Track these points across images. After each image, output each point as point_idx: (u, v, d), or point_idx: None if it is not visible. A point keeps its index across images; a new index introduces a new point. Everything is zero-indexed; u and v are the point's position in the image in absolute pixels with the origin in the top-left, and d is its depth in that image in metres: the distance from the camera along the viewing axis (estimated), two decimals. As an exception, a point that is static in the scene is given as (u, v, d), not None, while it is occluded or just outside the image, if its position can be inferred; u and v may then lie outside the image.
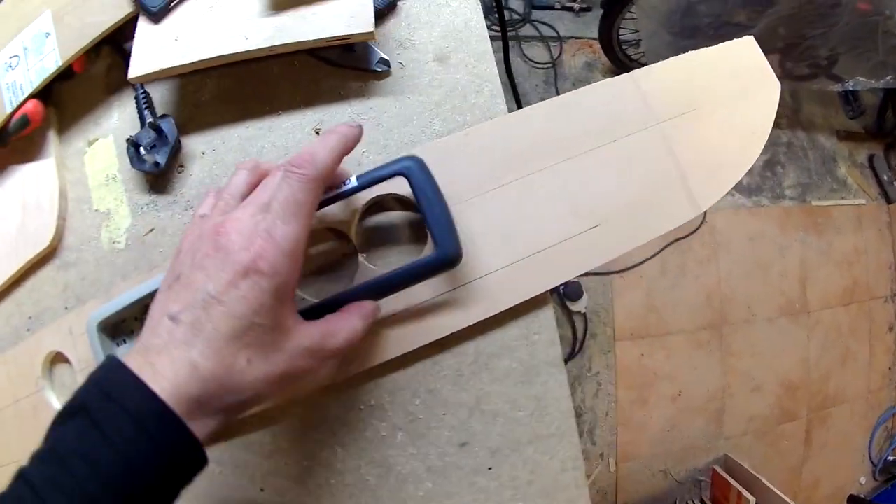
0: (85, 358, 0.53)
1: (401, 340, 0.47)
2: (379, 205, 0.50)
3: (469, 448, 0.49)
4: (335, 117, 0.54)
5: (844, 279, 2.10)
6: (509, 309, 0.47)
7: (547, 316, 0.49)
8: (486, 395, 0.49)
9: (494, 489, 0.49)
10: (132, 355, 0.33)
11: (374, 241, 0.51)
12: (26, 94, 0.58)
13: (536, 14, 2.21)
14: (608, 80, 0.51)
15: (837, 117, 2.26)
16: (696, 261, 1.98)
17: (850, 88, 1.62)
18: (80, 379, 0.54)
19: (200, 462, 0.33)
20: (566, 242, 0.47)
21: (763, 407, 1.96)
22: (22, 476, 0.30)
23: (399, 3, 0.56)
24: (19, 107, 0.58)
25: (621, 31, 1.89)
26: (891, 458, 2.07)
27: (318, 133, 0.54)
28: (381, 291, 0.45)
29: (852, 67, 1.60)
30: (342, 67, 0.55)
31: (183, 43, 0.52)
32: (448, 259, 0.43)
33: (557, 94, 2.06)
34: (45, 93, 0.60)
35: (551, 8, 2.23)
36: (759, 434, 1.95)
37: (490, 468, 0.49)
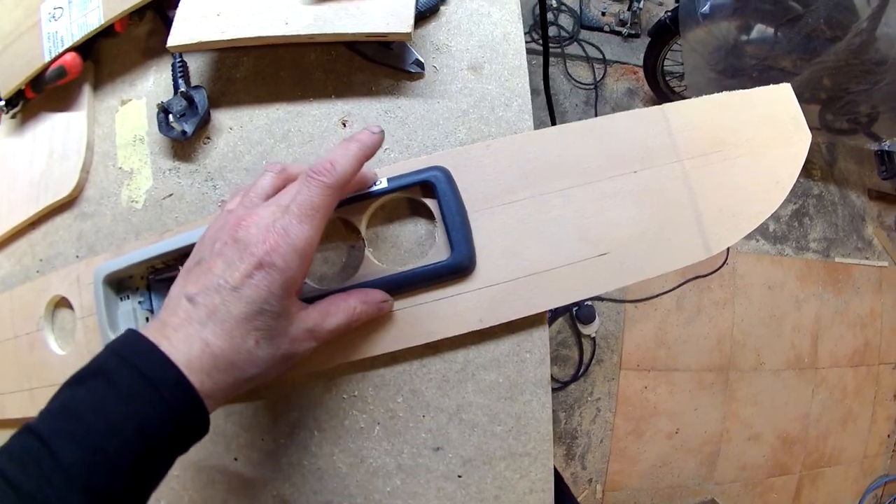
0: (87, 306, 0.55)
1: (393, 338, 0.48)
2: (392, 205, 0.51)
3: (442, 453, 0.49)
4: (363, 111, 0.55)
5: (857, 340, 2.06)
6: (504, 323, 0.47)
7: (541, 335, 0.49)
8: (467, 405, 0.49)
9: (461, 497, 0.49)
10: (149, 330, 0.36)
11: (382, 239, 0.51)
12: (66, 46, 0.59)
13: (585, 34, 2.19)
14: (638, 110, 0.50)
15: (871, 176, 2.21)
16: (713, 301, 1.96)
17: (887, 148, 1.60)
18: (81, 325, 0.55)
19: (203, 430, 0.36)
20: (571, 266, 0.47)
21: (757, 457, 1.93)
22: (28, 429, 0.32)
23: (442, 8, 0.56)
24: (57, 57, 0.59)
25: (666, 62, 1.88)
26: (876, 526, 2.03)
27: (343, 125, 0.54)
28: (393, 288, 0.47)
29: (891, 127, 1.58)
30: (377, 63, 0.55)
31: (224, 19, 0.53)
32: (462, 266, 0.46)
33: (596, 115, 2.07)
34: (86, 48, 0.61)
35: (600, 30, 2.21)
36: (750, 483, 1.92)
37: (460, 476, 0.49)
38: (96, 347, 0.54)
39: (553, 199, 0.48)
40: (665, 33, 1.73)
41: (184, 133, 0.56)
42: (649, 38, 1.83)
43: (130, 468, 0.31)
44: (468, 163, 0.49)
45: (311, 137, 0.55)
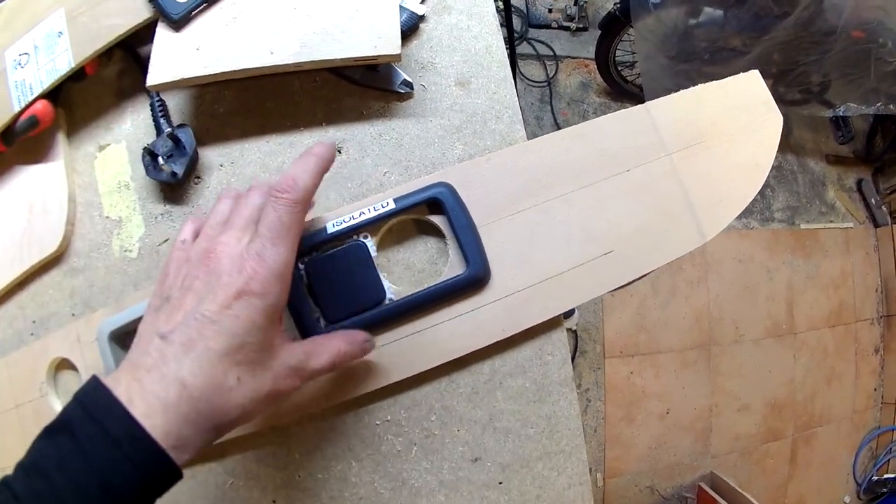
0: (93, 365, 0.53)
1: (419, 358, 0.48)
2: (399, 227, 0.51)
3: (481, 463, 0.50)
4: (356, 136, 0.55)
5: (831, 301, 2.13)
6: (524, 330, 0.48)
7: (559, 337, 0.50)
8: (499, 413, 0.50)
9: (504, 503, 0.50)
10: (121, 373, 0.34)
11: (394, 262, 0.51)
12: (36, 94, 0.56)
13: (533, 32, 2.23)
14: (623, 110, 0.52)
15: (827, 142, 2.30)
16: (687, 281, 2.01)
17: (842, 114, 1.66)
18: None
19: (175, 478, 0.34)
20: (580, 267, 0.49)
21: (749, 426, 1.98)
22: (6, 485, 0.31)
23: (421, 25, 0.56)
24: (28, 106, 0.56)
25: (617, 53, 1.92)
26: (875, 477, 2.10)
27: (339, 152, 0.54)
28: (414, 308, 0.47)
29: (844, 93, 1.64)
30: (364, 87, 0.55)
31: (205, 53, 0.52)
32: (479, 278, 0.47)
33: (552, 112, 2.10)
34: (54, 93, 0.58)
35: (548, 27, 2.25)
36: (745, 453, 1.97)
37: (500, 483, 0.50)
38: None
39: (556, 205, 0.49)
40: (615, 24, 1.76)
41: (174, 174, 0.54)
42: (599, 31, 1.86)
43: None
44: (470, 177, 0.50)
45: (307, 167, 0.54)
